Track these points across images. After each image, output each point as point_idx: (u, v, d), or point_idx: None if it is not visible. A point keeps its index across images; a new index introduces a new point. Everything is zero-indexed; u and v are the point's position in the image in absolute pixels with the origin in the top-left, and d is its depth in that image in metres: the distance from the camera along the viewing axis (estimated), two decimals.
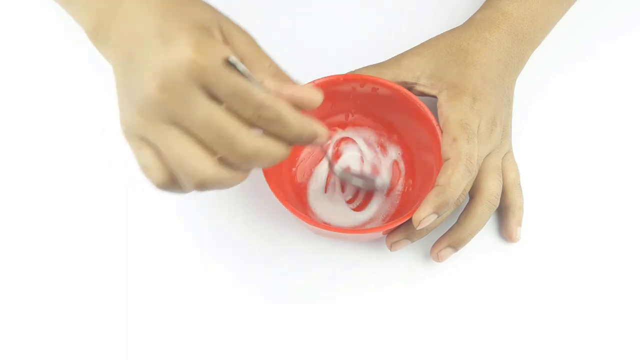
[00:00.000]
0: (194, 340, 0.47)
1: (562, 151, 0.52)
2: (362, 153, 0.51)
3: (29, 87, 0.54)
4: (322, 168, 0.51)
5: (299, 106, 0.35)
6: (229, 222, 0.50)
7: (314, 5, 0.57)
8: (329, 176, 0.51)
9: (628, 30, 0.56)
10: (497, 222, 0.50)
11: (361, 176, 0.50)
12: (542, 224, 0.50)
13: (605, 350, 0.47)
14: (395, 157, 0.50)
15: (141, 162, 0.34)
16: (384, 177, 0.50)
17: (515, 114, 0.50)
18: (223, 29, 0.35)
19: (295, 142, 0.35)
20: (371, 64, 0.49)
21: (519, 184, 0.49)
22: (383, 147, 0.51)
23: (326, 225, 0.46)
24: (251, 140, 0.33)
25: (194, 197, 0.50)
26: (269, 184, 0.43)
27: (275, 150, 0.34)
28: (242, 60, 0.35)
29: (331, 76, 0.47)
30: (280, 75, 0.36)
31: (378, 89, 0.47)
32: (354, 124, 0.51)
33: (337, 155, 0.51)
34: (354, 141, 0.51)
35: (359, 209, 0.50)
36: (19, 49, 0.55)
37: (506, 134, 0.48)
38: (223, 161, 0.34)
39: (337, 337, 0.48)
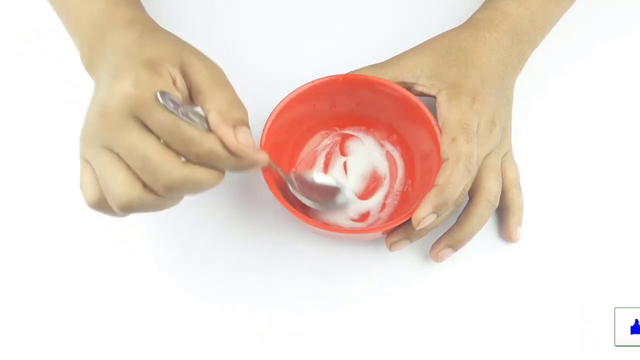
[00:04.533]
0: (193, 341, 0.47)
1: (561, 151, 0.52)
2: (368, 153, 0.51)
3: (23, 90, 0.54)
4: (320, 168, 0.51)
5: (229, 151, 0.36)
6: (229, 222, 0.50)
7: (314, 6, 0.57)
8: (326, 165, 0.50)
9: (628, 30, 0.56)
10: (497, 222, 0.50)
11: (318, 190, 0.48)
12: (542, 224, 0.50)
13: (605, 350, 0.47)
14: (395, 156, 0.51)
15: (80, 180, 0.36)
16: (345, 193, 0.48)
17: (515, 114, 0.50)
18: (184, 63, 0.37)
19: (234, 172, 0.37)
20: (371, 64, 0.49)
21: (519, 183, 0.49)
22: (383, 147, 0.51)
23: (326, 225, 0.46)
24: (175, 171, 0.34)
25: (192, 197, 0.50)
26: (269, 184, 0.43)
27: (205, 178, 0.35)
28: (197, 92, 0.37)
29: (331, 76, 0.47)
30: (228, 112, 0.36)
31: (377, 89, 0.47)
32: (353, 124, 0.51)
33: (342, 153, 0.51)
34: (358, 139, 0.51)
35: (364, 197, 0.50)
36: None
37: (506, 133, 0.48)
38: (150, 188, 0.35)
39: (336, 337, 0.48)
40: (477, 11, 0.51)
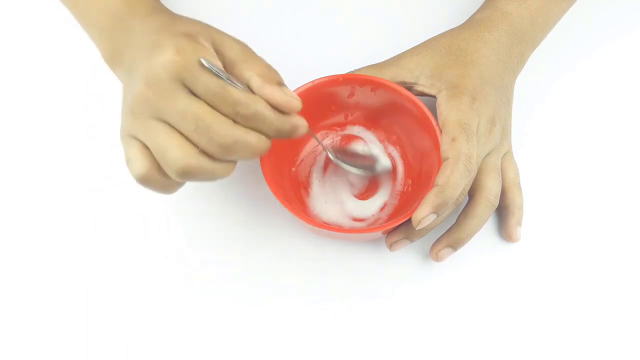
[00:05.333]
0: (192, 341, 0.47)
1: (562, 151, 0.52)
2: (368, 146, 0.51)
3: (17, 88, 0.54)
4: (320, 167, 0.51)
5: (277, 108, 0.37)
6: (229, 222, 0.50)
7: (314, 6, 0.57)
8: (326, 164, 0.51)
9: (628, 30, 0.56)
10: (497, 222, 0.50)
11: (357, 159, 0.49)
12: (542, 224, 0.50)
13: (605, 350, 0.47)
14: (395, 156, 0.51)
15: (126, 156, 0.37)
16: (382, 162, 0.49)
17: (515, 114, 0.50)
18: (215, 40, 0.38)
19: (277, 136, 0.38)
20: (371, 64, 0.49)
21: (519, 183, 0.49)
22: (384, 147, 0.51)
23: (326, 225, 0.46)
24: (229, 130, 0.35)
25: (192, 197, 0.50)
26: (269, 184, 0.43)
27: (255, 141, 0.36)
28: (232, 64, 0.38)
29: (331, 76, 0.47)
30: (268, 75, 0.37)
31: (377, 89, 0.47)
32: (353, 124, 0.51)
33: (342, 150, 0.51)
34: (359, 138, 0.51)
35: (364, 197, 0.50)
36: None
37: (505, 133, 0.48)
38: (206, 152, 0.36)
39: (336, 337, 0.48)
40: (477, 11, 0.51)
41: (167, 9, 0.45)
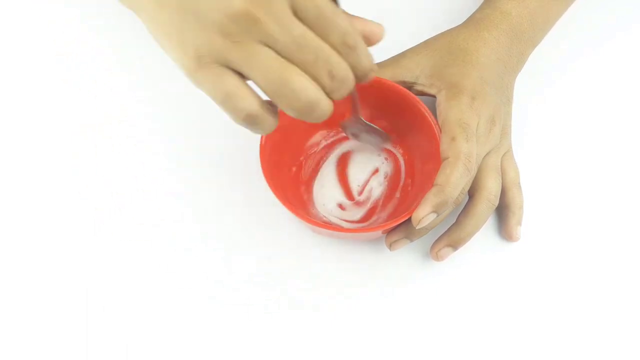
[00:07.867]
0: (192, 341, 0.47)
1: (562, 150, 0.52)
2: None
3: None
4: (320, 167, 0.51)
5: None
6: (229, 222, 0.50)
7: None
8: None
9: (628, 29, 0.56)
10: (497, 222, 0.50)
11: (370, 130, 0.48)
12: (542, 224, 0.50)
13: (605, 350, 0.47)
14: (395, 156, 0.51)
15: (224, 90, 0.31)
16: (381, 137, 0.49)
17: (515, 113, 0.50)
18: None
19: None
20: None
21: (519, 183, 0.49)
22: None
23: (326, 225, 0.46)
24: (343, 63, 0.32)
25: (192, 197, 0.50)
26: (269, 184, 0.43)
27: (351, 77, 0.33)
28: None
29: None
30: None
31: (377, 88, 0.47)
32: None
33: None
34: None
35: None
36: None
37: (505, 133, 0.48)
38: (322, 80, 0.32)
39: (336, 337, 0.47)
40: (477, 10, 0.51)
41: None
